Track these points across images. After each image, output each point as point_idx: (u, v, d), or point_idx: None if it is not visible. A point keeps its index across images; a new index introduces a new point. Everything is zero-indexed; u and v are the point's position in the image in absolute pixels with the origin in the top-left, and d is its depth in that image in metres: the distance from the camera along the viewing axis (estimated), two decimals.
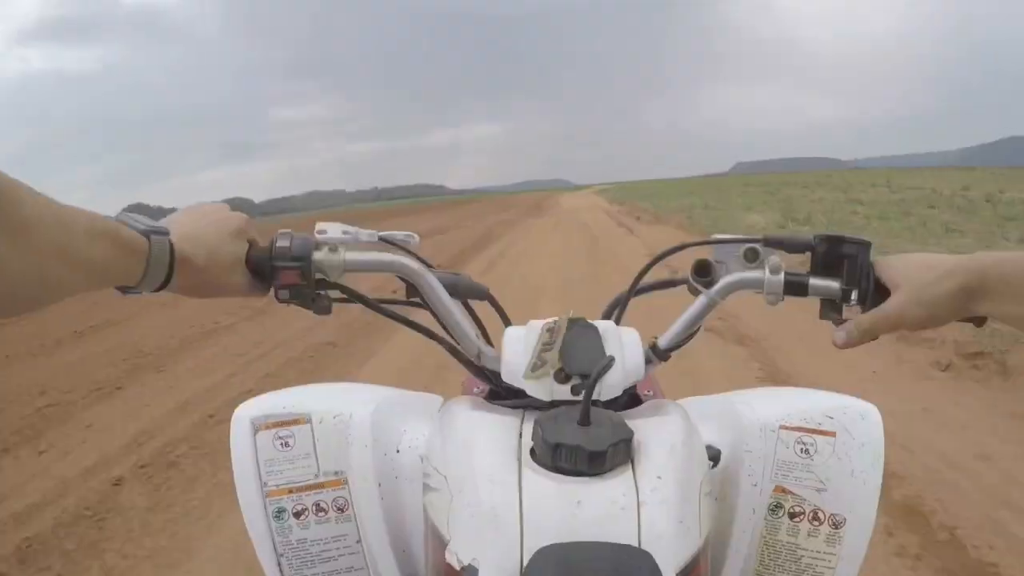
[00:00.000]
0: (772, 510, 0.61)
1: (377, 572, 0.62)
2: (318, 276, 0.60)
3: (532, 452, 0.51)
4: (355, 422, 0.63)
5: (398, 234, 0.68)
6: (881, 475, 0.59)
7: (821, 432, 0.60)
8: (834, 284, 0.59)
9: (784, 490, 0.60)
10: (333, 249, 0.60)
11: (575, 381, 0.57)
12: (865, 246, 0.58)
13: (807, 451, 0.60)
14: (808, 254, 0.61)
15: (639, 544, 0.44)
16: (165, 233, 0.52)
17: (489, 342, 0.67)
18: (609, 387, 0.57)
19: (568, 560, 0.43)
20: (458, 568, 0.46)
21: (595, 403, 0.54)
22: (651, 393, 0.79)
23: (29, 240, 0.39)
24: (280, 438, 0.63)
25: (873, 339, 0.58)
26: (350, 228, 0.62)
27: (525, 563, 0.44)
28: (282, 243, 0.59)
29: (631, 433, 0.50)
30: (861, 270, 0.58)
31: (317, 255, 0.59)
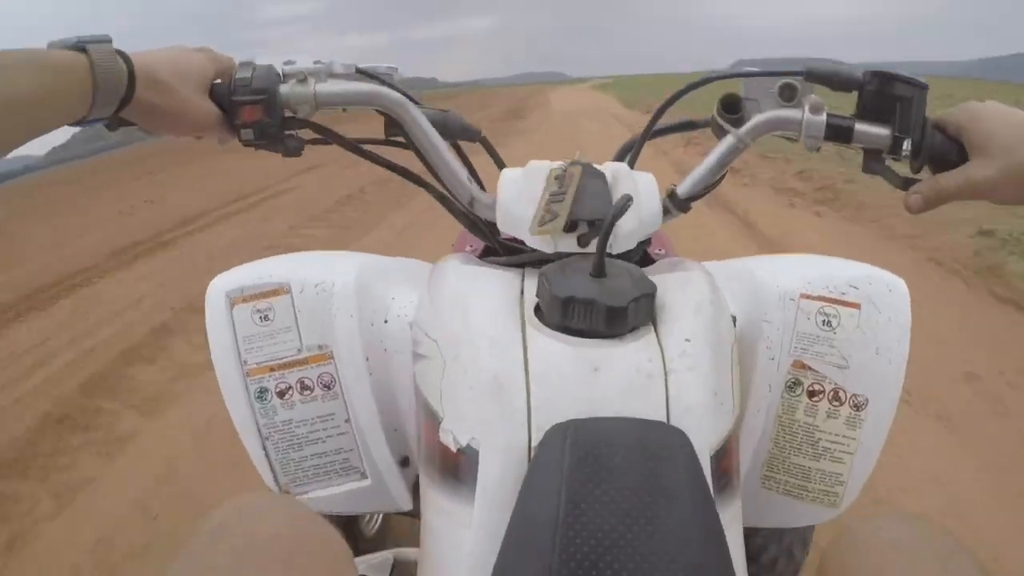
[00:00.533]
0: (789, 387, 0.56)
1: (368, 453, 0.58)
2: (286, 113, 0.54)
3: (537, 311, 0.45)
4: (338, 290, 0.58)
5: (379, 66, 0.60)
6: (907, 355, 0.55)
7: (844, 303, 0.55)
8: (883, 131, 0.52)
9: (804, 366, 0.56)
10: (302, 81, 0.53)
11: (582, 230, 0.49)
12: (921, 88, 0.51)
13: (829, 323, 0.55)
14: (855, 96, 0.54)
15: (667, 419, 0.39)
16: (107, 41, 0.46)
17: (483, 188, 0.59)
18: (623, 237, 0.50)
19: (586, 440, 0.37)
20: (455, 449, 0.41)
21: (607, 255, 0.47)
22: (664, 252, 0.74)
23: None
24: (259, 311, 0.58)
25: (944, 203, 0.52)
26: (323, 60, 0.56)
27: (535, 443, 0.38)
28: (242, 74, 0.53)
29: (654, 287, 0.44)
30: (915, 117, 0.51)
31: (284, 88, 0.53)
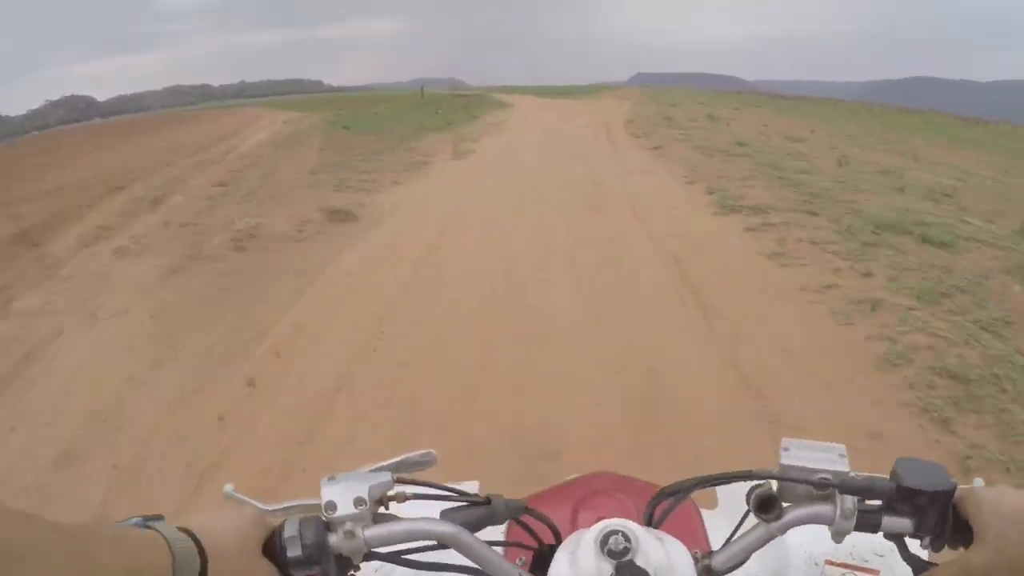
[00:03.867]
0: None
1: None
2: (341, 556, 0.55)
3: None
4: None
5: (412, 456, 0.63)
6: None
7: (865, 570, 0.61)
8: (907, 522, 0.53)
9: None
10: (350, 534, 0.54)
11: None
12: (944, 494, 0.51)
13: None
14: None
15: None
16: (161, 518, 0.48)
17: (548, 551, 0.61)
18: None
19: None
20: None
21: None
22: None
23: (36, 570, 0.35)
24: None
25: None
26: (359, 478, 0.56)
27: None
28: (290, 532, 0.53)
29: None
30: (937, 515, 0.52)
31: (332, 540, 0.54)
